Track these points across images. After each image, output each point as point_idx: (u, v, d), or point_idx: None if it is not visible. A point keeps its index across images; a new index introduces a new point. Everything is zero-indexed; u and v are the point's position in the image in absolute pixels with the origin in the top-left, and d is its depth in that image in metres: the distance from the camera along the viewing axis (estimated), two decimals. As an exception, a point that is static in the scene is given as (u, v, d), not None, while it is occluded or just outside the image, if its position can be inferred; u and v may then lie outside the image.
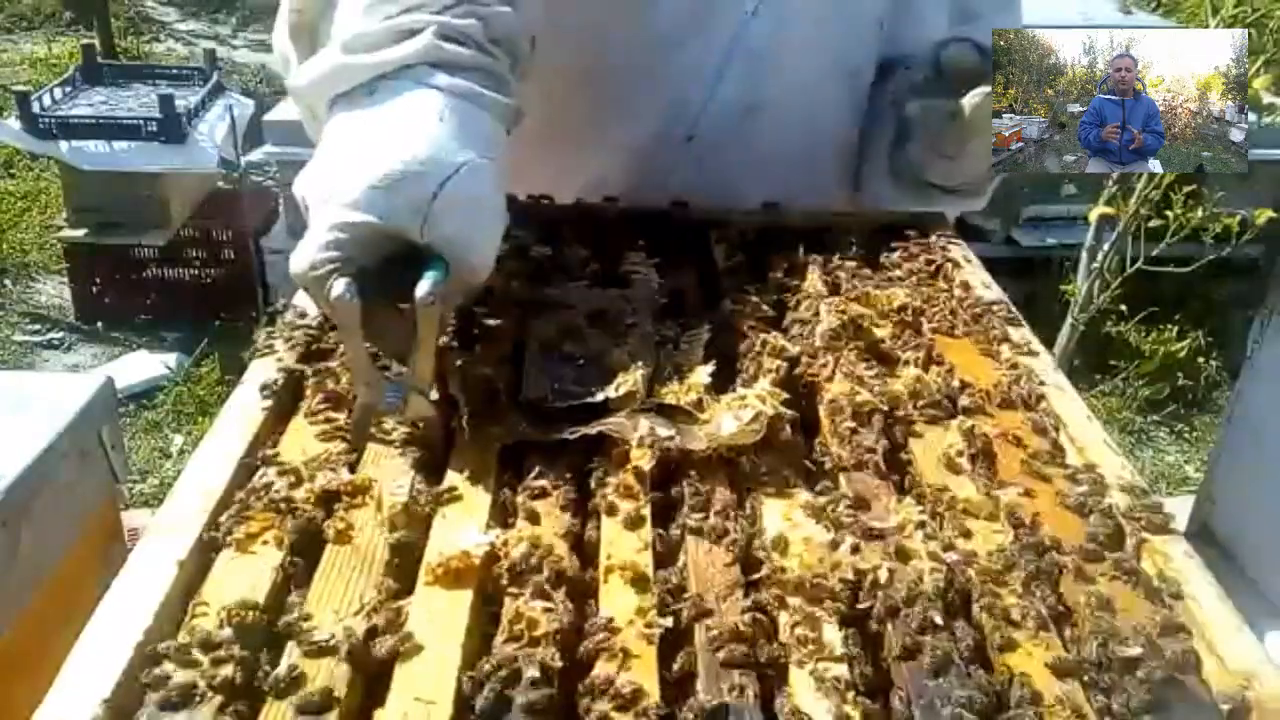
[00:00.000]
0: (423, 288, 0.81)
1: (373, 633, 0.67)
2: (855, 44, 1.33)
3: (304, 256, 0.83)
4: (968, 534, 0.76)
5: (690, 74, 1.27)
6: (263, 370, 0.93)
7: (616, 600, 0.69)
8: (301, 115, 1.04)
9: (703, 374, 0.90)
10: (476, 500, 0.79)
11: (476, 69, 0.93)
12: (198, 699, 0.61)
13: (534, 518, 0.77)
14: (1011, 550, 0.74)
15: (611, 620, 0.67)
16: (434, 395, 0.87)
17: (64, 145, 3.83)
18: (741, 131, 1.29)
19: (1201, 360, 3.97)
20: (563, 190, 1.28)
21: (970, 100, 1.13)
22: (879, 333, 1.00)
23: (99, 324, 4.16)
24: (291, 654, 0.65)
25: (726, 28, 1.25)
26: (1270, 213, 3.07)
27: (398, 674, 0.64)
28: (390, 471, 0.82)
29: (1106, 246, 3.26)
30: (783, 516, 0.78)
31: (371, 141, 0.86)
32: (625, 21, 1.23)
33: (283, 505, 0.76)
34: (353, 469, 0.83)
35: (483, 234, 0.87)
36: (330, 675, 0.64)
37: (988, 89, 1.12)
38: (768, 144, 1.31)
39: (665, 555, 0.75)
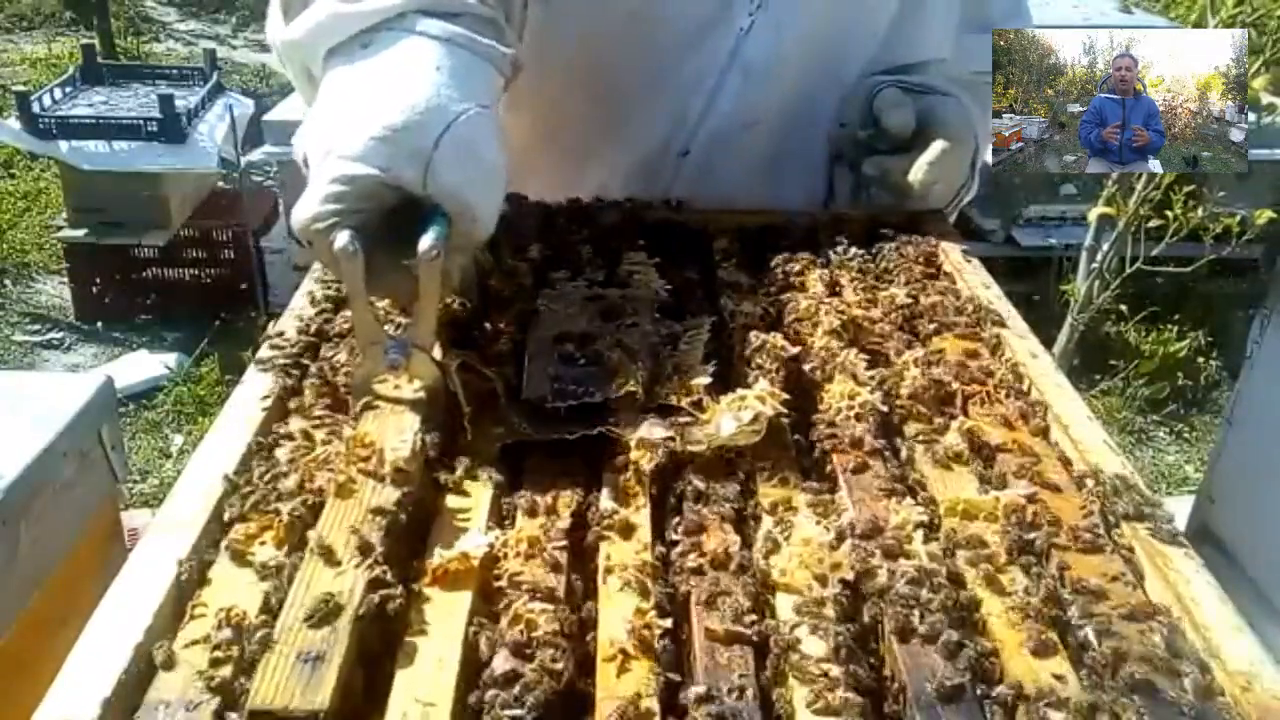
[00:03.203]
0: (425, 241, 0.80)
1: (375, 584, 0.67)
2: (852, 53, 1.33)
3: (305, 209, 0.82)
4: (968, 534, 0.76)
5: (690, 88, 1.27)
6: (262, 369, 0.93)
7: (616, 602, 0.69)
8: (294, 77, 1.02)
9: (703, 374, 0.90)
10: (476, 501, 0.79)
11: (470, 15, 0.92)
12: (197, 699, 0.61)
13: (533, 519, 0.77)
14: (1011, 550, 0.74)
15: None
16: (437, 353, 0.86)
17: (64, 145, 3.84)
18: (737, 145, 1.29)
19: (1201, 360, 3.98)
20: (564, 199, 1.27)
21: (915, 176, 1.20)
22: (879, 332, 1.00)
23: (99, 324, 4.17)
24: (293, 605, 0.65)
25: (724, 43, 1.24)
26: (1270, 213, 3.07)
27: (397, 675, 0.64)
28: (392, 427, 0.82)
29: (1106, 246, 3.26)
30: (782, 517, 0.78)
31: (370, 93, 0.85)
32: (627, 32, 1.23)
33: (282, 504, 0.76)
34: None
35: (484, 184, 0.86)
36: (332, 626, 0.64)
37: (934, 154, 1.19)
38: (763, 155, 1.31)
39: (664, 556, 0.75)
